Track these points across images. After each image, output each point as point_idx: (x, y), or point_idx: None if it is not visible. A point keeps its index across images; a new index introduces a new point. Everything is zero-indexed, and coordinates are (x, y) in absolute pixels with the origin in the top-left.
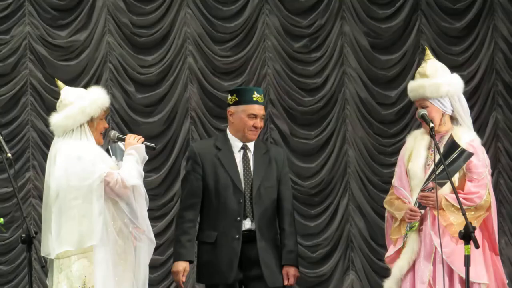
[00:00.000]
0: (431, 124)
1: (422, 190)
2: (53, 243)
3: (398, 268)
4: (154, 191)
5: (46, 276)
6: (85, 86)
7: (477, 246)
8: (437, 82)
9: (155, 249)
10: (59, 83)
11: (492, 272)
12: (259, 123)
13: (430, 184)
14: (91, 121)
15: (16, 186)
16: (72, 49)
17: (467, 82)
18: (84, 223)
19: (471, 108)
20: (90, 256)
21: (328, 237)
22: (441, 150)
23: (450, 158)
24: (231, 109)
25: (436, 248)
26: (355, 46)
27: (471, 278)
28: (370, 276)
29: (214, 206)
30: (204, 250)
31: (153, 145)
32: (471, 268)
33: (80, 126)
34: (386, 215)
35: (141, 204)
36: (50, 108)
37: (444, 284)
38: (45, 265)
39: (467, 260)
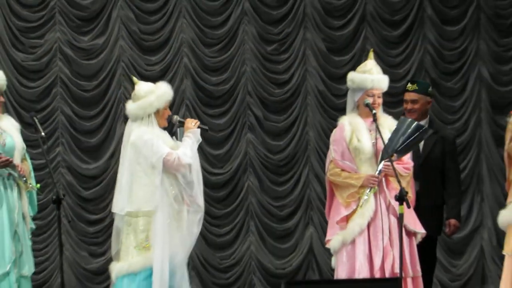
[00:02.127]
0: (374, 111)
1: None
2: (124, 203)
3: (358, 224)
4: None
5: (75, 231)
6: (103, 81)
7: (408, 206)
8: (385, 77)
9: None
10: (134, 79)
11: None
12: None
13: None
14: (157, 111)
15: (48, 159)
16: (93, 51)
17: (403, 77)
18: (147, 191)
19: None
20: (152, 216)
21: (293, 199)
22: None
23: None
24: None
25: (390, 204)
26: (315, 49)
27: (413, 228)
28: (325, 230)
29: None
30: None
31: (206, 127)
32: (413, 221)
33: (148, 115)
34: (328, 187)
35: (196, 178)
36: (76, 97)
37: (400, 235)
38: (71, 220)
39: (401, 217)
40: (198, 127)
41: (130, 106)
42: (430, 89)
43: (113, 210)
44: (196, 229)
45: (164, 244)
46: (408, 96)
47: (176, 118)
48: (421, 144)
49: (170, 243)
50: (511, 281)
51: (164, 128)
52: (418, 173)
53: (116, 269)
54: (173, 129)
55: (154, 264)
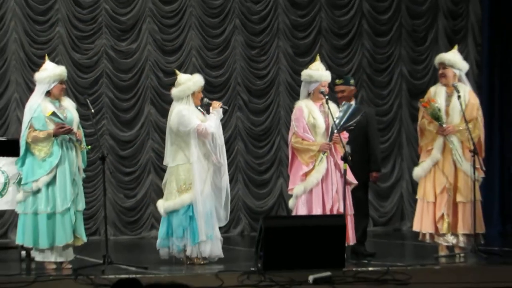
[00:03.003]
0: (327, 97)
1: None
2: (169, 158)
3: (315, 177)
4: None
5: (114, 180)
6: (135, 74)
7: (349, 165)
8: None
9: None
10: (176, 71)
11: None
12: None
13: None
14: (193, 94)
15: (96, 128)
16: (128, 53)
17: (347, 73)
18: (186, 150)
19: None
20: (189, 167)
21: (268, 158)
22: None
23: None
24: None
25: (337, 163)
26: (285, 53)
27: (351, 180)
28: None
29: None
30: None
31: (226, 107)
32: (350, 175)
33: (187, 96)
34: (291, 152)
35: (219, 142)
36: (116, 85)
37: (344, 185)
38: (112, 172)
39: (345, 172)
40: (221, 107)
41: (174, 90)
42: (351, 81)
43: (164, 163)
44: (220, 178)
45: (200, 185)
46: (338, 88)
47: (205, 100)
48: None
49: (205, 185)
50: (420, 217)
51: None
52: (350, 138)
53: (164, 206)
54: (202, 108)
55: (193, 202)
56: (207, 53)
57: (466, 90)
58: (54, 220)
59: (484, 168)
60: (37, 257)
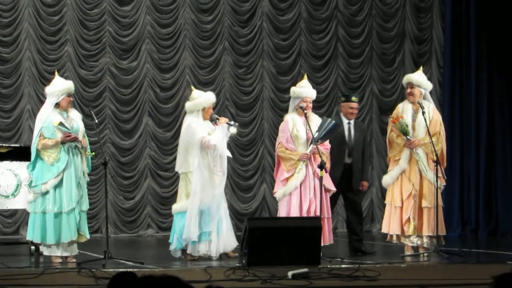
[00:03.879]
0: (305, 111)
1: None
2: (179, 165)
3: (294, 183)
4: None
5: (115, 183)
6: (135, 89)
7: (326, 171)
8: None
9: None
10: (192, 87)
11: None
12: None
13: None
14: (203, 109)
15: (99, 137)
16: (129, 70)
17: (323, 91)
18: (189, 159)
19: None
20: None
21: (253, 165)
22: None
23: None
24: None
25: (315, 170)
26: (269, 72)
27: (328, 186)
28: (273, 186)
29: None
30: None
31: (231, 123)
32: (328, 182)
33: (197, 110)
34: (276, 159)
35: (220, 154)
36: (118, 98)
37: (320, 190)
38: (113, 176)
39: (321, 179)
40: (226, 123)
41: (187, 104)
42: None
43: (176, 169)
44: (220, 187)
45: (196, 192)
46: (353, 105)
47: (214, 116)
48: (352, 134)
49: (202, 192)
50: (388, 220)
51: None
52: (351, 152)
53: (174, 207)
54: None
55: (189, 205)
56: (199, 71)
57: (431, 107)
58: (60, 218)
59: (445, 177)
60: (45, 251)
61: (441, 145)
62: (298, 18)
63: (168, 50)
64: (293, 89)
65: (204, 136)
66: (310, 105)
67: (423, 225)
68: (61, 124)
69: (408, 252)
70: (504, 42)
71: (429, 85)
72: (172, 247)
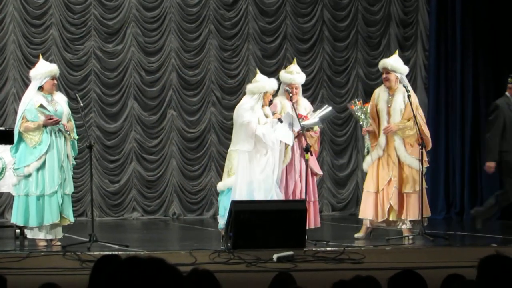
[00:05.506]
0: (291, 95)
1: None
2: (232, 142)
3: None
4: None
5: (100, 167)
6: (120, 72)
7: (311, 155)
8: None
9: None
10: (257, 70)
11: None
12: None
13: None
14: (265, 93)
15: (84, 120)
16: (114, 53)
17: (309, 74)
18: (239, 137)
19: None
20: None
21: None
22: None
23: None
24: None
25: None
26: (254, 56)
27: (315, 170)
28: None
29: None
30: None
31: (282, 120)
32: (315, 165)
33: (259, 93)
34: None
35: (270, 141)
36: (103, 82)
37: (306, 174)
38: (98, 159)
39: (307, 162)
40: (278, 119)
41: (249, 85)
42: None
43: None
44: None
45: (243, 172)
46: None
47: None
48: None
49: (251, 170)
50: (364, 206)
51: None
52: None
53: (218, 186)
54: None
55: (234, 184)
56: (185, 55)
57: (405, 92)
58: (43, 201)
59: (428, 159)
60: (29, 234)
61: (417, 128)
62: (283, 1)
63: (153, 34)
64: (281, 73)
65: (251, 121)
66: (297, 90)
67: (406, 210)
68: (41, 106)
69: (362, 233)
70: (490, 26)
71: (405, 69)
72: (219, 226)
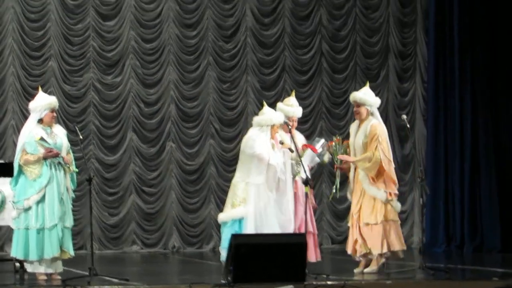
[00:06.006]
0: (289, 127)
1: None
2: (236, 173)
3: None
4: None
5: (100, 199)
6: (119, 104)
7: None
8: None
9: None
10: (265, 103)
11: None
12: None
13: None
14: (273, 126)
15: (84, 153)
16: (113, 85)
17: (308, 106)
18: (247, 170)
19: None
20: (246, 186)
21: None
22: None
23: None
24: None
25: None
26: (253, 87)
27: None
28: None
29: None
30: None
31: (293, 150)
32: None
33: (267, 126)
34: None
35: (278, 175)
36: (102, 114)
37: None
38: (97, 192)
39: (306, 195)
40: (288, 148)
41: (256, 118)
42: None
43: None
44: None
45: (253, 203)
46: None
47: (280, 139)
48: None
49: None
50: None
51: None
52: None
53: (219, 217)
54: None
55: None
56: (184, 87)
57: (369, 124)
58: (43, 234)
59: (395, 192)
60: (29, 268)
61: (375, 160)
62: (282, 33)
63: (152, 65)
64: (280, 106)
65: (263, 152)
66: (295, 124)
67: (367, 242)
68: (41, 139)
69: (361, 268)
70: (488, 58)
71: (375, 102)
72: (221, 258)
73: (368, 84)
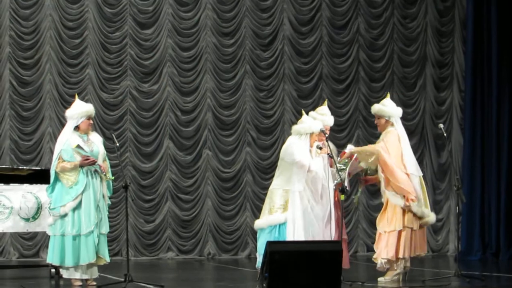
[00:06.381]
0: (326, 136)
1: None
2: (274, 181)
3: None
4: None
5: (136, 206)
6: (156, 112)
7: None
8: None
9: None
10: (303, 112)
11: None
12: None
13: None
14: (311, 134)
15: (120, 160)
16: (150, 93)
17: (345, 114)
18: (286, 177)
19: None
20: (284, 193)
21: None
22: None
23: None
24: None
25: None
26: (290, 96)
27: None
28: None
29: None
30: None
31: (331, 155)
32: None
33: (306, 134)
34: None
35: (319, 183)
36: (139, 121)
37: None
38: (134, 199)
39: (342, 202)
40: (327, 154)
41: (296, 126)
42: None
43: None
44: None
45: (293, 210)
46: None
47: (318, 144)
48: None
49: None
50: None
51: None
52: None
53: (255, 223)
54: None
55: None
56: (220, 95)
57: (385, 134)
58: (79, 241)
59: (413, 197)
60: (64, 274)
61: (374, 160)
62: (319, 41)
63: (189, 73)
64: (313, 114)
65: (302, 159)
66: (328, 132)
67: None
68: (78, 146)
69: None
70: None
71: (393, 112)
72: (257, 265)
73: (388, 95)
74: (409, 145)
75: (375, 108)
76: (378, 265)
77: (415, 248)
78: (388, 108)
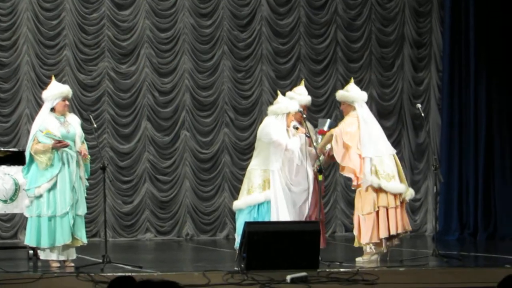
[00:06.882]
0: (303, 116)
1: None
2: (252, 161)
3: None
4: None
5: (114, 187)
6: (133, 93)
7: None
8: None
9: None
10: (279, 92)
11: None
12: None
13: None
14: (288, 113)
15: (98, 141)
16: (128, 74)
17: (323, 95)
18: (263, 157)
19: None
20: (262, 173)
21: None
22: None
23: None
24: None
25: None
26: (268, 77)
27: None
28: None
29: None
30: None
31: (308, 135)
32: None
33: (282, 114)
34: None
35: (295, 162)
36: (116, 103)
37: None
38: (111, 180)
39: (320, 183)
40: (305, 134)
41: (271, 107)
42: None
43: (250, 167)
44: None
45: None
46: None
47: (294, 124)
48: None
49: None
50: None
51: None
52: None
53: (234, 204)
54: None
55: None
56: (198, 76)
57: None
58: (54, 222)
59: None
60: (42, 255)
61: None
62: (297, 22)
63: (167, 54)
64: (290, 94)
65: (278, 139)
66: (305, 112)
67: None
68: (49, 133)
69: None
70: (503, 47)
71: (356, 97)
72: (235, 245)
73: (352, 80)
74: (376, 128)
75: (338, 94)
76: (367, 250)
77: (397, 226)
78: (350, 93)
